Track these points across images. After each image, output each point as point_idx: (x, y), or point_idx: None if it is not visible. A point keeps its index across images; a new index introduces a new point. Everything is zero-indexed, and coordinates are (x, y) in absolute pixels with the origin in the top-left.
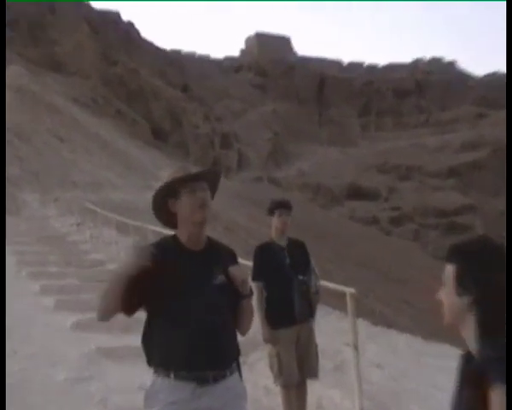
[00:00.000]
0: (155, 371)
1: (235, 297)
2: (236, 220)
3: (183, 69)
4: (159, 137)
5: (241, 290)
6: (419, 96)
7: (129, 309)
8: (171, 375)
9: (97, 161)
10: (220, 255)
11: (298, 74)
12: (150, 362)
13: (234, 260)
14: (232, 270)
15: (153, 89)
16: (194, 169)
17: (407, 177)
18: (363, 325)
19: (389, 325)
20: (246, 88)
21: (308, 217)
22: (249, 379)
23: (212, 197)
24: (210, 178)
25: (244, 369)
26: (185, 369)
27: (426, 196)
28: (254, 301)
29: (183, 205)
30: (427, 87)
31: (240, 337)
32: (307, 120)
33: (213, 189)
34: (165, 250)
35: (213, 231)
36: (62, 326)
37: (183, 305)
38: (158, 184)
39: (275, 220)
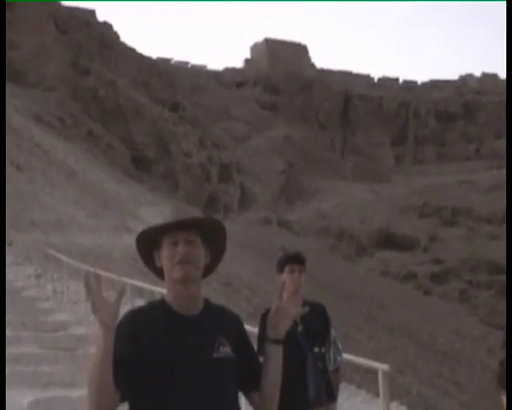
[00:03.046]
0: None
1: (244, 374)
2: (237, 274)
3: (173, 82)
4: (141, 166)
5: (275, 329)
6: (467, 122)
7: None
8: None
9: (63, 195)
10: (221, 321)
11: (317, 91)
12: None
13: (239, 329)
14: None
15: (134, 106)
16: (192, 213)
17: (453, 222)
18: (398, 409)
19: (430, 409)
20: (251, 107)
21: (328, 271)
22: None
23: (217, 255)
24: (205, 229)
25: None
26: None
27: (476, 247)
28: None
29: (163, 259)
30: (477, 110)
31: None
32: (328, 148)
33: (213, 242)
34: (149, 319)
35: (207, 287)
36: (17, 406)
37: (172, 392)
38: (137, 226)
39: (285, 279)
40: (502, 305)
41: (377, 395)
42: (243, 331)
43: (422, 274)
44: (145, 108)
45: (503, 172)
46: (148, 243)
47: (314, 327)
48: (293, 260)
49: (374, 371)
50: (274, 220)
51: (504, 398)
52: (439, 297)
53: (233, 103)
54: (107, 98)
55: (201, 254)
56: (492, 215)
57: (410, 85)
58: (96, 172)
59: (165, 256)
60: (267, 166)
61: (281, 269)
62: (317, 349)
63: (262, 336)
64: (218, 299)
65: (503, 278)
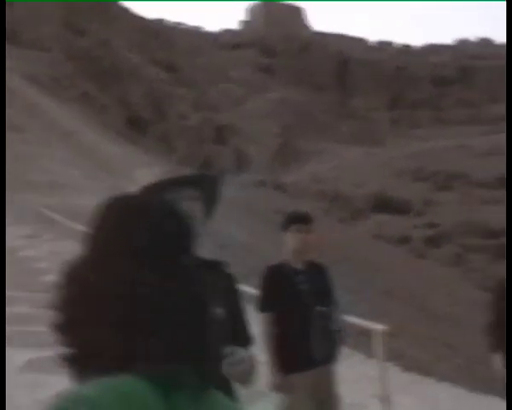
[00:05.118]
0: None
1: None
2: (232, 235)
3: (169, 43)
4: (136, 127)
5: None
6: (464, 86)
7: None
8: None
9: (58, 156)
10: (215, 280)
11: (314, 54)
12: None
13: (233, 288)
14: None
15: (130, 67)
16: (185, 173)
17: (448, 186)
18: (392, 371)
19: (424, 372)
20: (248, 69)
21: (323, 234)
22: None
23: (210, 210)
24: (202, 186)
25: None
26: None
27: (471, 211)
28: (263, 338)
29: None
30: (473, 75)
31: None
32: (324, 111)
33: (209, 199)
34: None
35: (202, 249)
36: (10, 366)
37: None
38: (132, 188)
39: (290, 238)
40: (496, 269)
41: (372, 356)
42: (235, 291)
43: (417, 238)
44: (141, 69)
45: (499, 136)
46: None
47: (318, 285)
48: (301, 219)
49: (366, 333)
50: (269, 183)
51: (496, 358)
52: (433, 261)
53: (229, 65)
54: (103, 59)
55: (200, 211)
56: (487, 180)
57: (406, 49)
58: (91, 133)
59: None
60: (263, 128)
61: (286, 228)
62: (321, 308)
63: (266, 292)
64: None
65: (497, 242)
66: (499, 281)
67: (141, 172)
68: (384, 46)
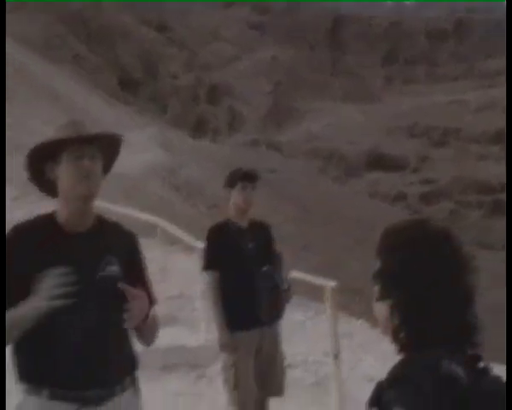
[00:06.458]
0: (25, 390)
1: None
2: (224, 196)
3: (160, 3)
4: (128, 88)
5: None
6: (459, 41)
7: None
8: (44, 393)
9: (48, 118)
10: (113, 239)
11: (305, 11)
12: (22, 379)
13: (132, 247)
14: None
15: (121, 28)
16: (86, 128)
17: (443, 142)
18: (361, 327)
19: None
20: (239, 28)
21: (317, 193)
22: (208, 395)
23: (108, 170)
24: (105, 144)
25: (202, 383)
26: (63, 386)
27: (466, 167)
28: (208, 296)
29: (64, 173)
30: (468, 29)
31: (183, 343)
32: (317, 69)
33: (110, 159)
34: (37, 233)
35: (193, 209)
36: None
37: (60, 310)
38: (124, 149)
39: (235, 195)
40: (491, 224)
41: (347, 314)
42: (135, 250)
43: (412, 195)
44: (131, 30)
45: (494, 91)
46: (42, 156)
47: (262, 244)
48: (247, 177)
49: (347, 290)
50: (262, 142)
51: (381, 306)
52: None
53: (221, 24)
54: (93, 20)
55: (101, 170)
56: (482, 135)
57: (400, 4)
58: (83, 94)
59: (66, 171)
60: (255, 87)
61: (232, 185)
62: (265, 268)
63: (211, 251)
64: (204, 221)
65: (493, 197)
66: (388, 229)
67: (134, 132)
68: (378, 2)
